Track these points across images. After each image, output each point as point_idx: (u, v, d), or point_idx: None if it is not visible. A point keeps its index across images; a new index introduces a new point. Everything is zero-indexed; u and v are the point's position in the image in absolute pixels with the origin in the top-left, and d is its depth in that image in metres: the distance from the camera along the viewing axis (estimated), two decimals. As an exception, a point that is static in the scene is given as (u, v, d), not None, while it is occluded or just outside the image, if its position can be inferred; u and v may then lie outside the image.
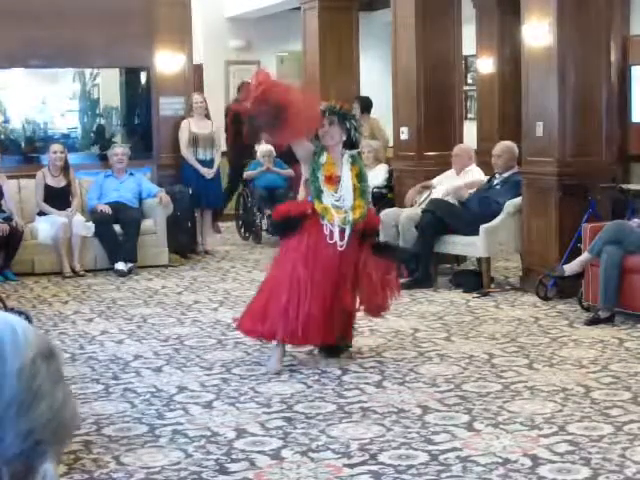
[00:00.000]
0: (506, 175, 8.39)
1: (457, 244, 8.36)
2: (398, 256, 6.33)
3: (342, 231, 5.66)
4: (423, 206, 8.65)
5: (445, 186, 8.72)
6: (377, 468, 4.07)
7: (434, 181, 9.01)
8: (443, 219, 8.27)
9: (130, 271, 9.38)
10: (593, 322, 6.74)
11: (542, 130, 7.81)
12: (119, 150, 10.05)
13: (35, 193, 9.70)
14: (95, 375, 5.70)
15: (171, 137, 10.72)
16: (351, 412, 4.86)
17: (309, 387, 5.35)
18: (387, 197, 9.92)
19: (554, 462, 4.09)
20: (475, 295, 7.93)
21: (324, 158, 5.74)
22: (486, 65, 12.67)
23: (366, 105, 10.84)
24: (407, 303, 7.63)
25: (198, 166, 10.57)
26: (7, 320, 1.24)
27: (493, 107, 12.49)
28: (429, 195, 8.91)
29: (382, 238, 8.15)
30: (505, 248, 8.34)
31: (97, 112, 11.23)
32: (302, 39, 11.93)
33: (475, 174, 8.82)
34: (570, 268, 7.06)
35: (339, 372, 5.64)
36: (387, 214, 8.72)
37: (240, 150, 11.95)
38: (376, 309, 5.94)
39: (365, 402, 5.03)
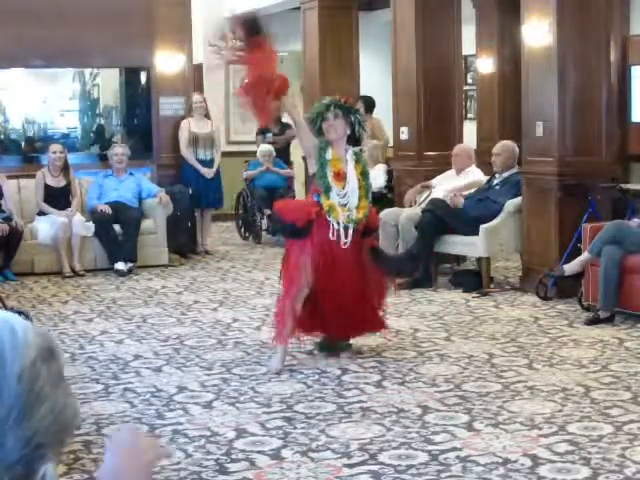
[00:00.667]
0: (506, 175, 8.39)
1: (457, 244, 8.36)
2: (393, 267, 6.35)
3: (345, 229, 5.69)
4: (423, 206, 8.65)
5: (444, 186, 8.72)
6: (377, 468, 4.07)
7: (434, 181, 9.01)
8: (443, 219, 8.27)
9: (130, 271, 9.38)
10: (593, 322, 6.74)
11: (542, 130, 7.81)
12: (119, 150, 10.05)
13: (35, 193, 9.69)
14: (95, 375, 5.70)
15: (171, 137, 10.73)
16: (351, 412, 4.86)
17: (309, 387, 5.35)
18: (387, 197, 9.93)
19: (554, 462, 4.09)
20: (475, 295, 7.93)
21: (330, 154, 5.74)
22: (486, 65, 12.67)
23: (369, 105, 10.85)
24: (407, 303, 7.63)
25: (198, 166, 10.57)
26: (6, 319, 1.23)
27: (493, 107, 12.48)
28: (429, 195, 8.90)
29: (382, 238, 8.19)
30: (505, 248, 8.34)
31: (97, 112, 11.23)
32: (302, 39, 11.93)
33: (475, 175, 8.82)
34: (570, 268, 7.06)
35: (339, 372, 5.64)
36: (387, 214, 8.72)
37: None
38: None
39: (365, 402, 5.03)
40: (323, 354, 6.00)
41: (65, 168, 9.77)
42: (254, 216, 11.74)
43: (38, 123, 10.82)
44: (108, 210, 9.60)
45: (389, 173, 10.06)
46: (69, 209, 9.62)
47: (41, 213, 9.64)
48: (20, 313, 6.05)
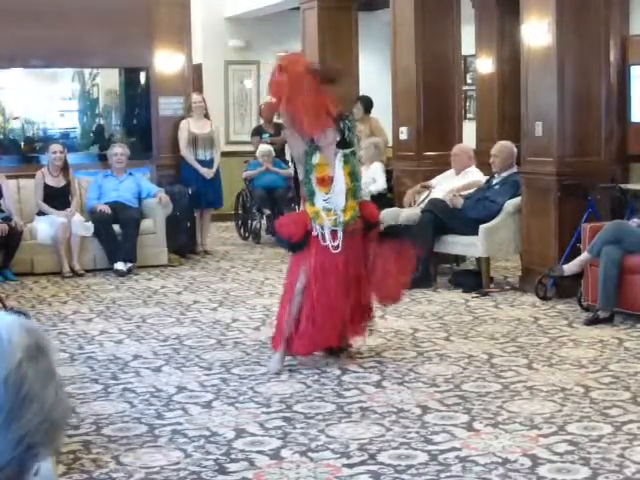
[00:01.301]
0: (505, 175, 8.39)
1: (457, 244, 8.36)
2: (406, 234, 6.35)
3: (334, 233, 5.67)
4: (422, 206, 8.65)
5: (444, 187, 8.72)
6: (376, 468, 4.07)
7: (433, 181, 9.01)
8: (442, 219, 8.27)
9: (129, 271, 9.38)
10: (592, 322, 6.74)
11: (541, 130, 7.81)
12: (118, 150, 10.04)
13: (34, 193, 9.69)
14: (94, 375, 5.70)
15: (170, 137, 10.73)
16: (350, 412, 4.86)
17: (308, 387, 5.35)
18: (387, 197, 9.92)
19: (553, 462, 4.09)
20: (474, 295, 7.93)
21: (317, 159, 5.73)
22: (485, 65, 12.67)
23: (367, 105, 10.85)
24: (407, 303, 7.62)
25: (197, 166, 10.57)
26: None
27: (492, 107, 12.49)
28: (428, 195, 8.90)
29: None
30: (504, 248, 8.34)
31: (96, 112, 11.22)
32: (301, 39, 11.92)
33: (474, 175, 8.82)
34: (569, 268, 7.06)
35: (338, 372, 5.64)
36: (387, 214, 8.72)
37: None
38: (388, 298, 6.01)
39: (364, 402, 5.03)
40: (323, 354, 6.00)
41: (65, 168, 9.77)
42: (254, 216, 11.74)
43: (38, 123, 10.81)
44: (107, 210, 9.60)
45: (388, 173, 10.05)
46: (68, 209, 9.62)
47: (41, 213, 9.64)
48: (20, 313, 6.05)
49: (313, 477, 4.00)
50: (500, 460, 4.12)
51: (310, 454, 4.25)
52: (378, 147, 10.14)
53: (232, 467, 4.12)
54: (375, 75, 13.80)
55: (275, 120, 11.35)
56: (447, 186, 8.67)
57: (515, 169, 8.33)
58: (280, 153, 11.90)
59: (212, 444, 4.41)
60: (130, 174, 10.02)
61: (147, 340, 6.59)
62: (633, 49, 11.18)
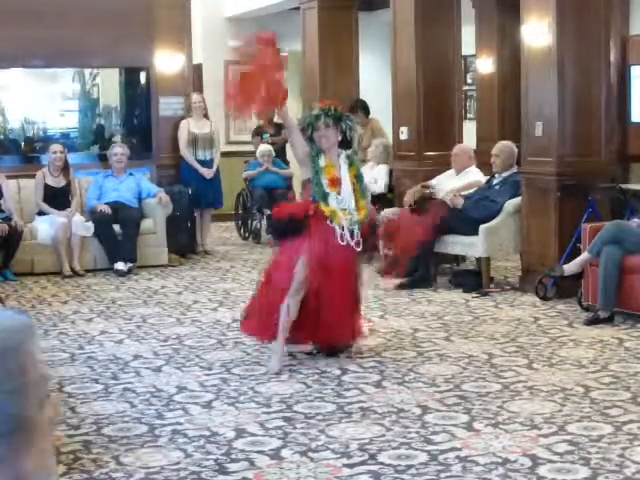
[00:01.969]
0: (505, 175, 8.39)
1: (457, 244, 8.36)
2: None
3: (351, 232, 5.72)
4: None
5: (444, 187, 8.71)
6: (377, 468, 4.07)
7: (433, 181, 9.00)
8: (442, 219, 8.26)
9: (129, 271, 9.38)
10: (592, 322, 6.74)
11: (541, 130, 7.81)
12: (118, 150, 10.05)
13: (35, 193, 9.70)
14: (94, 375, 5.70)
15: (170, 137, 10.73)
16: (350, 412, 4.86)
17: (309, 387, 5.35)
18: (387, 197, 9.92)
19: (554, 462, 4.09)
20: (475, 295, 7.93)
21: (323, 161, 5.76)
22: (485, 65, 12.67)
23: (366, 109, 10.86)
24: (407, 303, 7.63)
25: (197, 166, 10.57)
26: None
27: (493, 107, 12.49)
28: (431, 194, 8.89)
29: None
30: (504, 248, 8.34)
31: (97, 112, 11.22)
32: (301, 39, 11.92)
33: (474, 175, 8.82)
34: (569, 268, 7.06)
35: (339, 372, 5.64)
36: (387, 214, 8.71)
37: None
38: (405, 250, 6.37)
39: (364, 402, 5.03)
40: (323, 354, 6.00)
41: (65, 168, 9.78)
42: (254, 216, 11.75)
43: (38, 123, 10.82)
44: (108, 210, 9.60)
45: (391, 174, 10.05)
46: (69, 209, 9.62)
47: (41, 213, 9.64)
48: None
49: (313, 477, 4.00)
50: (500, 460, 4.12)
51: (310, 454, 4.25)
52: (387, 149, 10.15)
53: (232, 467, 4.12)
54: (375, 75, 13.81)
55: (275, 120, 11.36)
56: (447, 186, 8.67)
57: (515, 169, 8.33)
58: (280, 153, 11.91)
59: (212, 444, 4.41)
60: (130, 174, 10.02)
61: (147, 340, 6.60)
62: (633, 49, 11.19)
